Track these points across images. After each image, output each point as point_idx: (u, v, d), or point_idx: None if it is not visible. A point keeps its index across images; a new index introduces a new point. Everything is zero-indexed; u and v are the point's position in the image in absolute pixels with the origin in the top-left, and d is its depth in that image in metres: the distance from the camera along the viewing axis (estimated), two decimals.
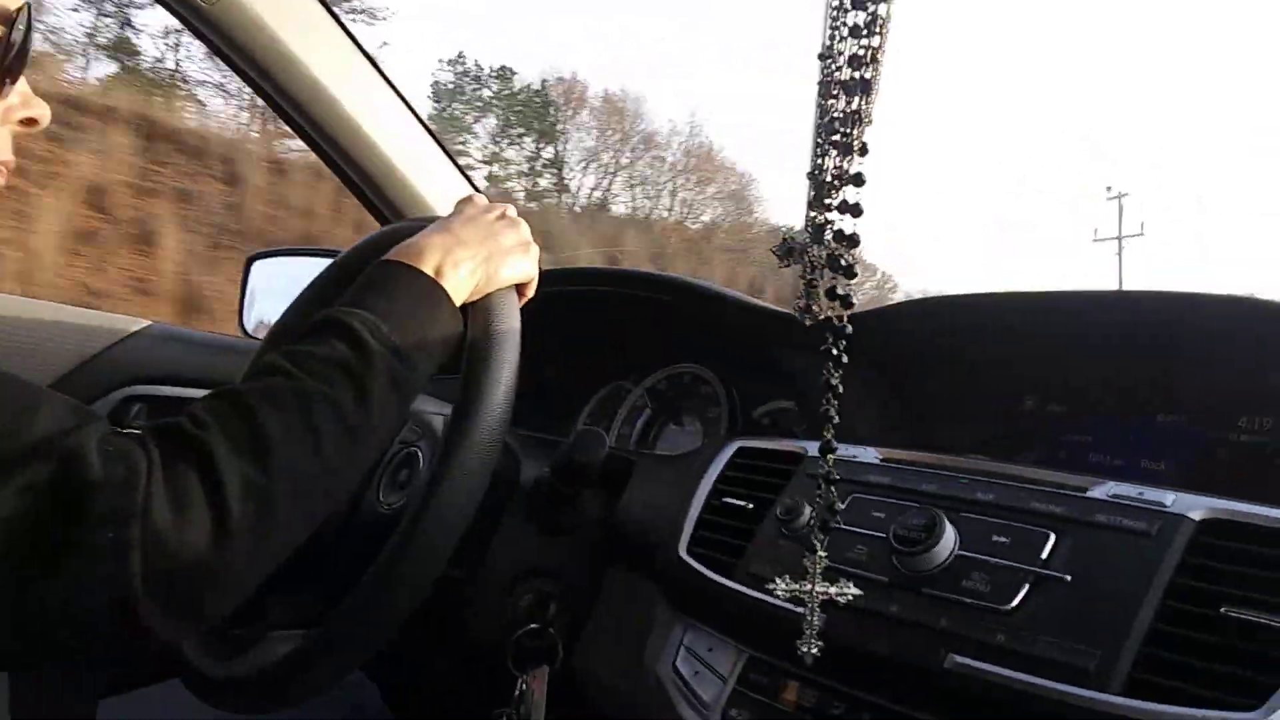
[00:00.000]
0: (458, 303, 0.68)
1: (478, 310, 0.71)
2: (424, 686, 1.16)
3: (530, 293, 0.78)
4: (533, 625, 0.90)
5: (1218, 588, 0.55)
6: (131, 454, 0.48)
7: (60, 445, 0.46)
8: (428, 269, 0.67)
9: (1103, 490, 0.65)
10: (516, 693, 0.88)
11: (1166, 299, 0.81)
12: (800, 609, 0.60)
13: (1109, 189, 23.75)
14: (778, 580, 0.60)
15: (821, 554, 0.59)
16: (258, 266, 1.44)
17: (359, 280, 0.66)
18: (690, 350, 1.28)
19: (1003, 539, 0.65)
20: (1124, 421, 0.90)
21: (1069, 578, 0.60)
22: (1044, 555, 0.62)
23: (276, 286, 1.34)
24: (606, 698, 0.86)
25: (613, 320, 1.34)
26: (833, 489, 0.57)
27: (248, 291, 1.43)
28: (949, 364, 1.00)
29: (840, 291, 0.55)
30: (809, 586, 0.60)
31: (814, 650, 0.59)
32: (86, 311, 1.11)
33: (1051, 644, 0.57)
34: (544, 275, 1.25)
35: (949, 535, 0.65)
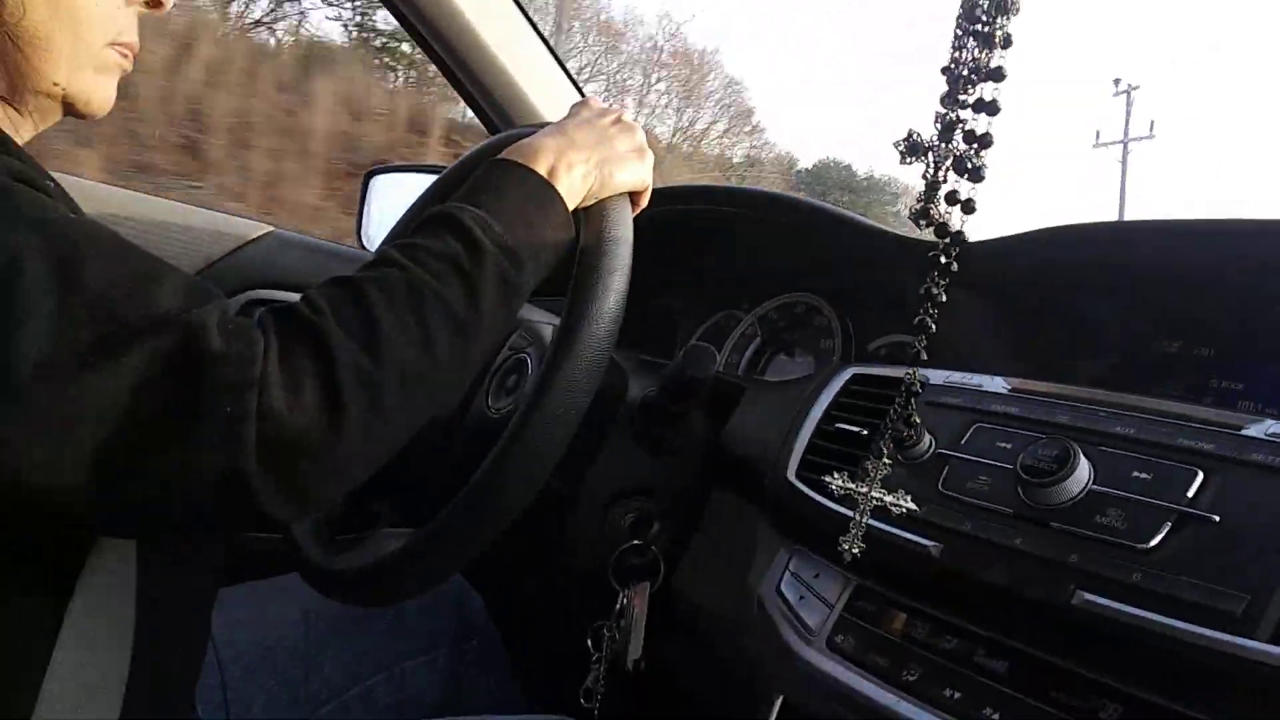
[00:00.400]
0: (570, 206, 0.67)
1: (591, 216, 0.70)
2: (527, 598, 1.18)
3: (644, 202, 0.76)
4: (635, 542, 0.90)
5: None
6: (250, 332, 0.49)
7: (183, 317, 0.47)
8: (541, 169, 0.66)
9: (1259, 428, 0.60)
10: (617, 607, 0.88)
11: None
12: (917, 537, 0.58)
13: (1117, 82, 20.04)
14: (835, 475, 0.58)
15: (886, 460, 0.57)
16: (376, 181, 1.46)
17: (471, 179, 0.66)
18: (805, 279, 1.24)
19: (1144, 475, 0.60)
20: None
21: (1217, 518, 0.56)
22: (1190, 494, 0.58)
23: (395, 201, 1.36)
24: (707, 618, 0.86)
25: (725, 244, 1.30)
26: (912, 402, 0.55)
27: (366, 206, 1.46)
28: (1089, 300, 0.94)
29: (962, 196, 0.51)
30: (863, 489, 0.58)
31: (855, 550, 0.57)
32: (214, 214, 1.15)
33: (1193, 586, 0.53)
34: (654, 194, 1.24)
35: (1083, 468, 0.61)
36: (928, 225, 0.53)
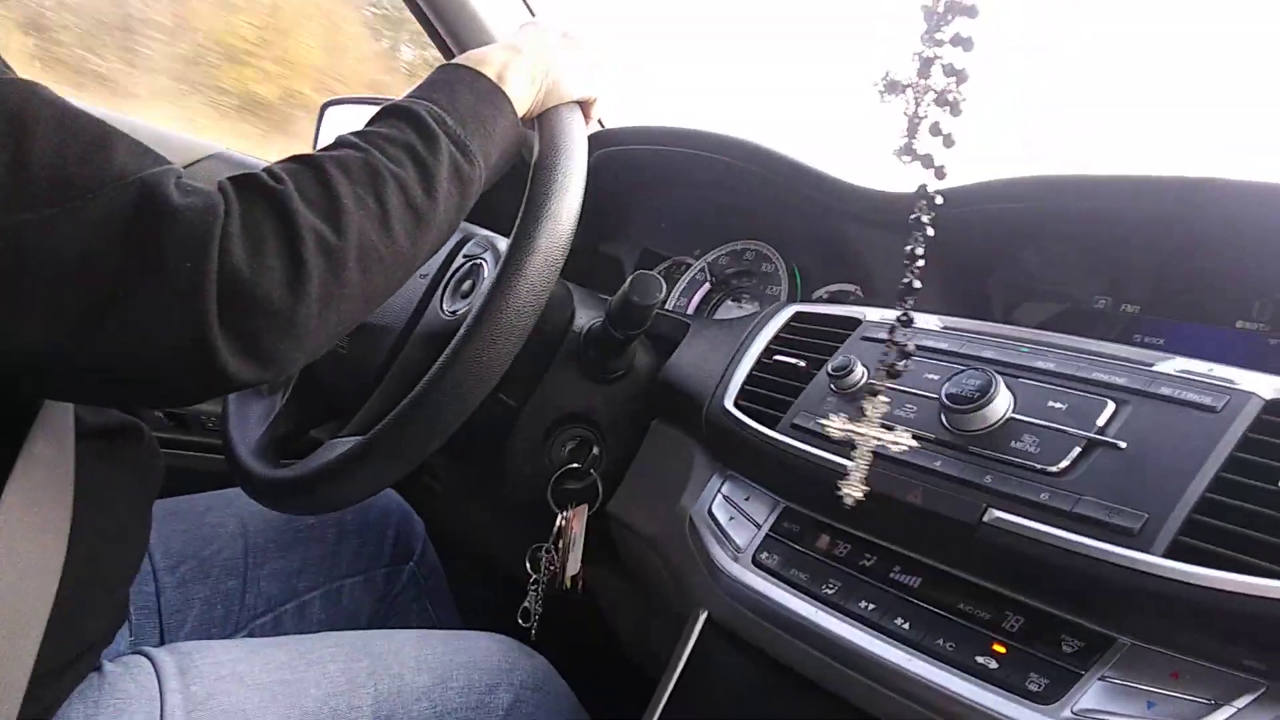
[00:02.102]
0: (519, 111, 0.68)
1: (543, 123, 0.72)
2: (468, 522, 1.19)
3: (595, 113, 0.77)
4: (574, 466, 0.91)
5: (1278, 464, 0.53)
6: (208, 193, 0.50)
7: (138, 175, 0.47)
8: (489, 74, 0.67)
9: (1170, 365, 0.63)
10: (555, 529, 0.90)
11: (1258, 189, 0.76)
12: (842, 455, 0.59)
13: None
14: (832, 417, 0.60)
15: (884, 399, 0.59)
16: (331, 113, 1.45)
17: (424, 80, 0.66)
18: (756, 226, 1.25)
19: (1059, 405, 0.63)
20: (1201, 325, 0.86)
21: (1123, 445, 0.59)
22: (1099, 422, 0.60)
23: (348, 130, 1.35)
24: (641, 540, 0.88)
25: (676, 188, 1.31)
26: (905, 333, 0.56)
27: (320, 137, 1.45)
28: (1019, 250, 0.97)
29: (944, 129, 0.53)
30: (864, 430, 0.59)
31: (857, 494, 0.59)
32: (161, 130, 1.13)
33: (1096, 504, 0.56)
34: (606, 134, 1.25)
35: (1003, 397, 0.64)
36: (911, 159, 0.54)
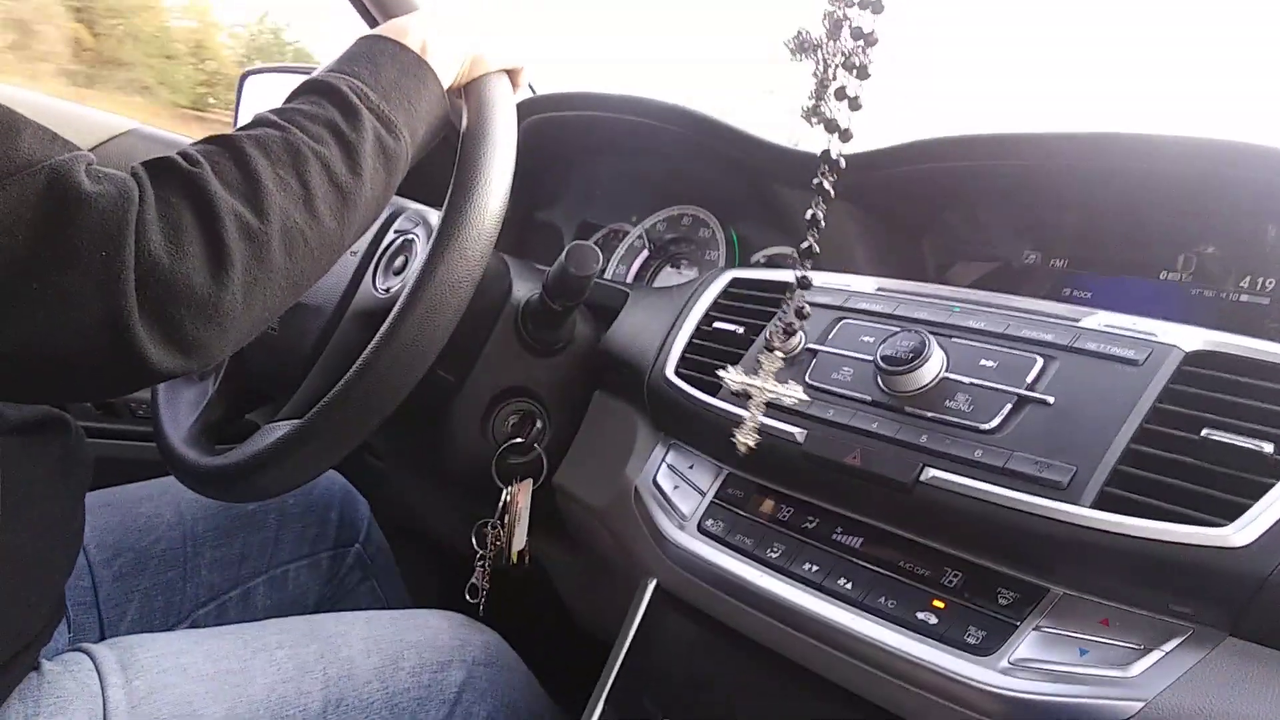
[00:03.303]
0: (445, 83, 0.67)
1: (470, 94, 0.71)
2: (412, 500, 1.18)
3: (521, 81, 0.76)
4: (517, 440, 0.91)
5: (1199, 414, 0.55)
6: (121, 180, 0.48)
7: (45, 164, 0.46)
8: (413, 45, 0.65)
9: (1096, 320, 0.64)
10: (500, 504, 0.90)
11: (1177, 144, 0.78)
12: (788, 426, 0.60)
13: None
14: (730, 370, 0.61)
15: (779, 353, 0.60)
16: (251, 82, 1.41)
17: (345, 51, 0.65)
18: (692, 191, 1.25)
19: (989, 363, 0.64)
20: (1126, 278, 0.89)
21: (1051, 400, 0.60)
22: (1029, 379, 0.62)
23: (270, 101, 1.32)
24: (587, 512, 0.88)
25: (611, 154, 1.30)
26: (802, 295, 0.57)
27: (241, 106, 1.41)
28: (950, 209, 0.98)
29: (850, 93, 0.53)
30: (757, 383, 0.60)
31: (749, 442, 0.60)
32: (72, 106, 1.09)
33: (1027, 460, 0.58)
34: (537, 100, 1.23)
35: (936, 357, 0.65)
36: (818, 121, 0.54)
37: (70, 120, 1.10)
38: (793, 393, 0.60)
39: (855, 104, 0.53)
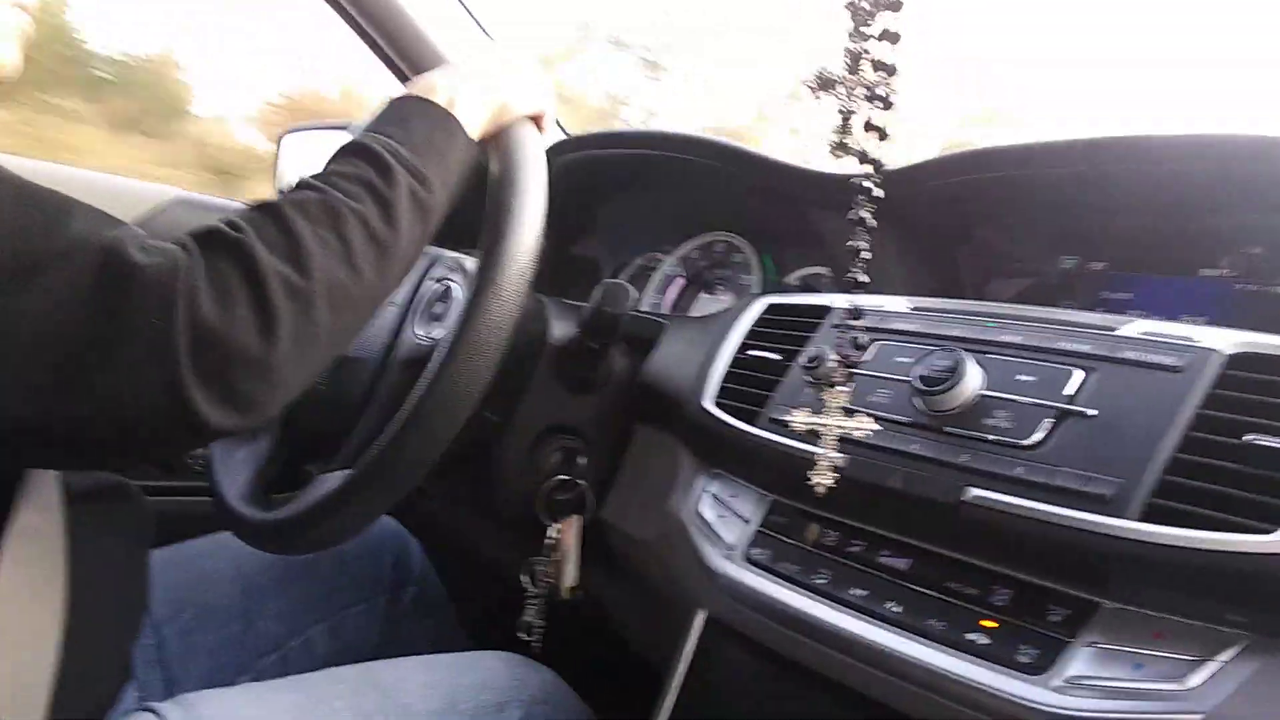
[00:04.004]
0: (473, 135, 0.69)
1: (498, 143, 0.73)
2: (463, 541, 1.20)
3: (547, 126, 0.78)
4: (562, 477, 0.92)
5: (1243, 418, 0.54)
6: (170, 250, 0.50)
7: (97, 242, 0.48)
8: (439, 100, 0.68)
9: (1132, 328, 0.64)
10: (548, 541, 0.91)
11: (1213, 142, 0.77)
12: (814, 445, 0.60)
13: None
14: (794, 413, 0.61)
15: (842, 388, 0.59)
16: (289, 140, 1.45)
17: (375, 114, 0.67)
18: (724, 218, 1.26)
19: (1028, 377, 0.64)
20: (1166, 277, 0.88)
21: (1093, 412, 0.60)
22: (1068, 391, 0.61)
23: (308, 158, 1.36)
24: (634, 545, 0.89)
25: (643, 187, 1.32)
26: (857, 325, 0.57)
27: (280, 166, 1.45)
28: (984, 221, 0.98)
29: (877, 124, 0.53)
30: (826, 421, 0.60)
31: (827, 482, 0.59)
32: (117, 179, 1.13)
33: (1071, 474, 0.57)
34: (567, 142, 1.25)
35: (973, 375, 0.65)
36: (846, 154, 0.55)
37: (115, 192, 1.14)
38: (863, 425, 0.60)
39: (883, 134, 0.53)
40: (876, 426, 0.60)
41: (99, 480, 0.70)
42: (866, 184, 0.54)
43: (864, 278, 0.55)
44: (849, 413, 0.60)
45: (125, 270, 0.48)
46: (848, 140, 0.53)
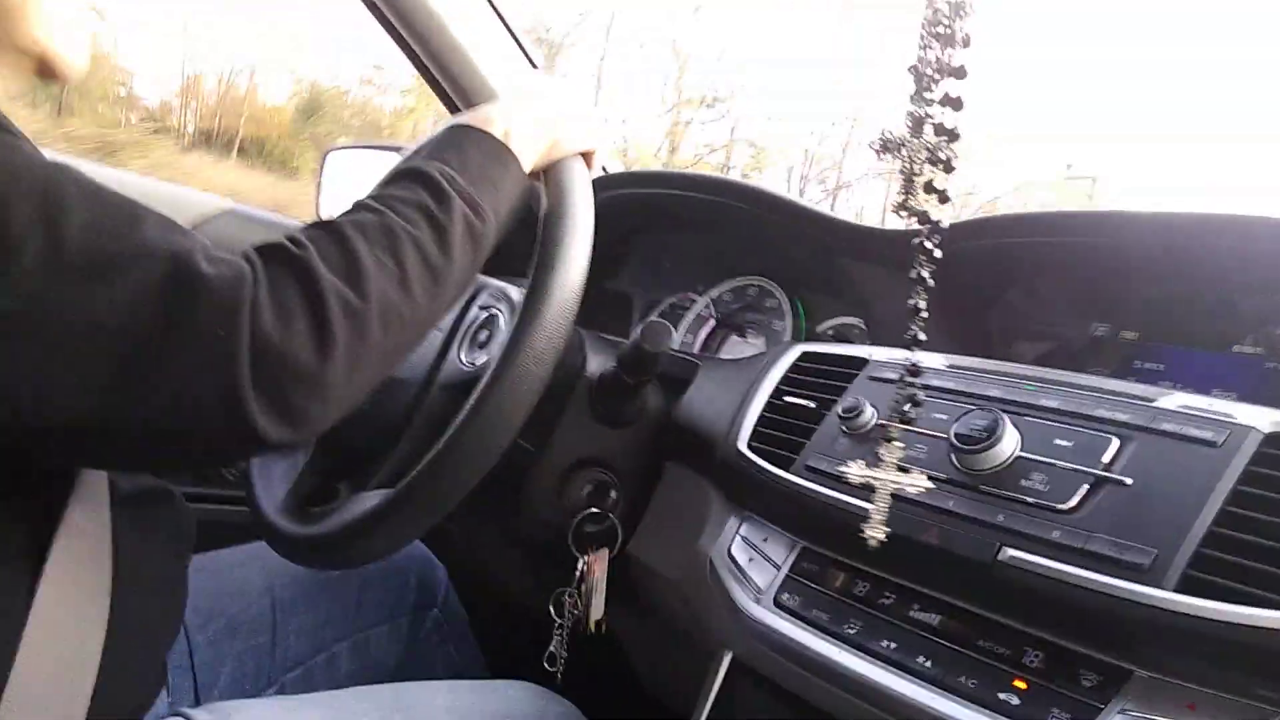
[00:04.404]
0: (526, 167, 0.71)
1: (550, 176, 0.75)
2: (490, 568, 1.21)
3: (596, 163, 0.80)
4: (593, 510, 0.93)
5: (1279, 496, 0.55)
6: (236, 264, 0.52)
7: (168, 247, 0.49)
8: (496, 132, 0.70)
9: (1171, 400, 0.65)
10: (577, 573, 0.92)
11: (1252, 223, 0.79)
12: (860, 499, 0.61)
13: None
14: (850, 465, 0.62)
15: (899, 444, 0.60)
16: (333, 158, 1.48)
17: (431, 140, 0.69)
18: (758, 263, 1.28)
19: (1065, 442, 0.65)
20: (1199, 351, 0.89)
21: (1129, 481, 0.61)
22: (1105, 459, 0.63)
23: (351, 177, 1.38)
24: (663, 583, 0.90)
25: (680, 228, 1.34)
26: (916, 381, 0.58)
27: (323, 183, 1.48)
28: (1019, 284, 0.99)
29: (938, 186, 0.55)
30: (881, 475, 0.61)
31: (880, 536, 0.60)
32: (172, 187, 1.16)
33: (1107, 541, 0.58)
34: (609, 179, 1.28)
35: (1010, 436, 0.66)
36: (910, 215, 0.56)
37: (167, 200, 1.17)
38: (918, 483, 0.61)
39: (944, 197, 0.54)
40: (930, 485, 0.61)
41: (144, 484, 0.72)
42: (928, 244, 0.55)
43: (923, 335, 0.56)
44: (903, 469, 0.61)
45: (192, 279, 0.49)
46: (911, 201, 0.55)
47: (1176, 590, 0.54)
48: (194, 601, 0.88)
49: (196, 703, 0.81)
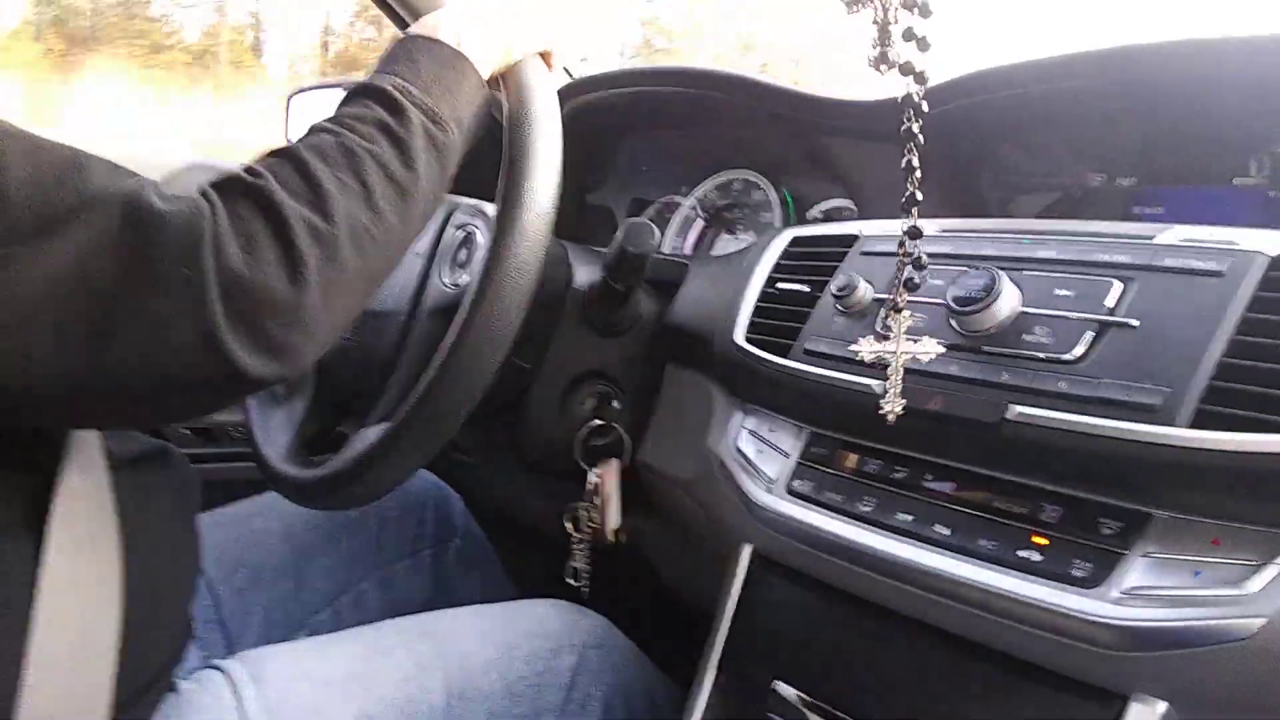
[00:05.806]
0: (482, 73, 0.68)
1: (509, 80, 0.72)
2: (503, 492, 1.21)
3: (555, 63, 0.77)
4: (598, 422, 0.92)
5: None
6: (192, 199, 0.50)
7: (118, 192, 0.48)
8: (447, 39, 0.67)
9: (1172, 235, 0.63)
10: (589, 486, 0.92)
11: (1248, 43, 0.75)
12: (865, 379, 0.60)
13: None
14: (860, 342, 0.60)
15: (907, 313, 0.59)
16: (297, 102, 1.44)
17: (383, 55, 0.66)
18: (740, 156, 1.24)
19: (1066, 292, 0.63)
20: (1198, 188, 0.86)
21: (1135, 323, 0.59)
22: (1109, 303, 0.61)
23: (317, 117, 1.35)
24: (675, 485, 0.89)
25: (654, 128, 1.30)
26: (917, 243, 0.56)
27: (289, 128, 1.44)
28: (1009, 141, 0.96)
29: (918, 32, 0.52)
30: (893, 348, 0.60)
31: (898, 409, 0.59)
32: (128, 146, 1.13)
33: (1116, 385, 0.57)
34: (575, 84, 1.23)
35: (1009, 293, 0.64)
36: (889, 68, 0.53)
37: (127, 158, 1.14)
38: (930, 349, 0.59)
39: (924, 44, 0.51)
40: (941, 350, 0.60)
41: (141, 444, 0.71)
42: (915, 97, 0.52)
43: (919, 195, 0.53)
44: (912, 339, 0.60)
45: (149, 218, 0.47)
46: (890, 53, 0.52)
47: (1191, 426, 0.53)
48: (215, 555, 0.89)
49: (229, 654, 0.82)
